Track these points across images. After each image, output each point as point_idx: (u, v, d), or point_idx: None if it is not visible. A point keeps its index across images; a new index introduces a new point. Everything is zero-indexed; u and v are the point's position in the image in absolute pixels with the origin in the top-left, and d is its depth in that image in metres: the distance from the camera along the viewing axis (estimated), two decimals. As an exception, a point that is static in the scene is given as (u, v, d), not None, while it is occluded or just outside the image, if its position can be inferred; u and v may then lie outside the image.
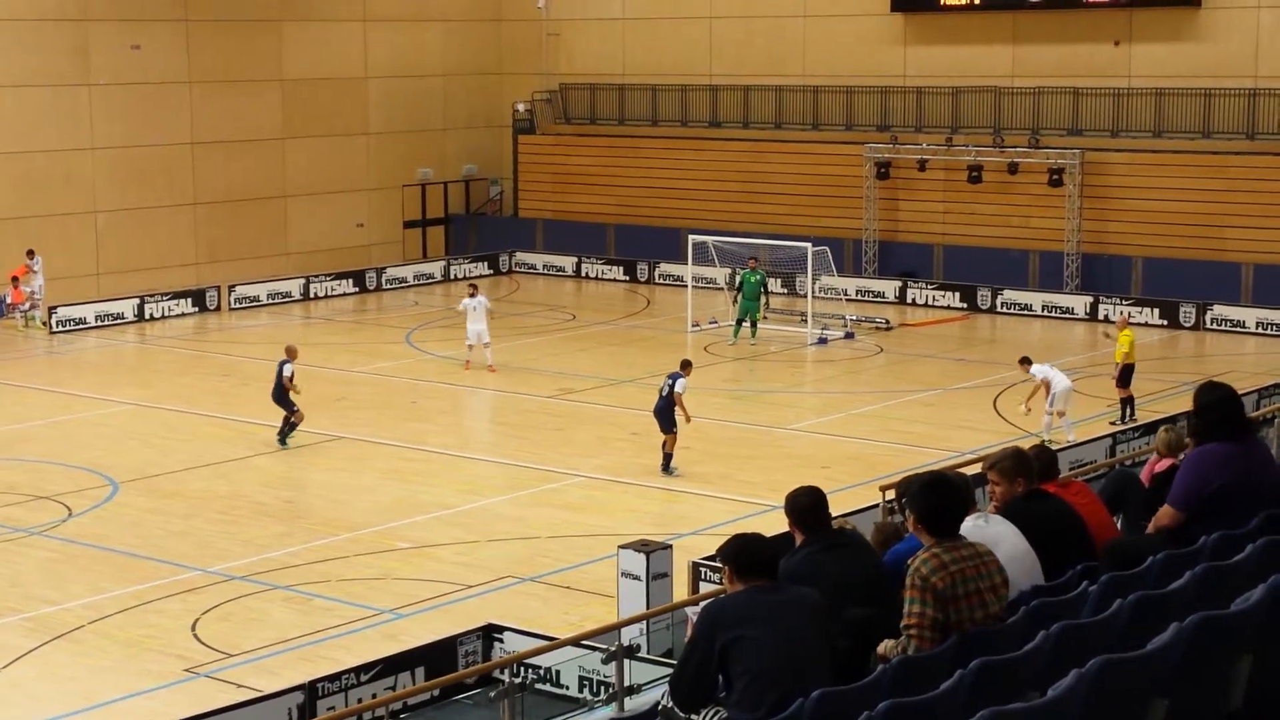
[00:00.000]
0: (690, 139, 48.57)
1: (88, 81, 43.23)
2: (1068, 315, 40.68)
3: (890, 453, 27.00)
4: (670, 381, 26.12)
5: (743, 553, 7.55)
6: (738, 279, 37.87)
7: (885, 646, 7.54)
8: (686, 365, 26.83)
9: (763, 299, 37.34)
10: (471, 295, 34.77)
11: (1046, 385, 27.34)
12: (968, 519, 8.09)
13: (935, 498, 7.68)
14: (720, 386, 33.20)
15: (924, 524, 7.62)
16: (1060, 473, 9.99)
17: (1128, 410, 28.63)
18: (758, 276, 37.11)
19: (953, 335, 39.17)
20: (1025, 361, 28.34)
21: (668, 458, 26.04)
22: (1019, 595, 8.05)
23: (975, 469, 13.84)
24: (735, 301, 37.68)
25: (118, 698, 17.44)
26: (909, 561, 7.56)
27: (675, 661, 14.88)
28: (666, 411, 26.06)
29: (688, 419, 26.15)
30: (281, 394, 28.02)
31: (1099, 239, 41.99)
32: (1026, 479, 9.04)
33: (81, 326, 39.89)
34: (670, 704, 7.46)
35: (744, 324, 37.15)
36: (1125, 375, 29.10)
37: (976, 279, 42.27)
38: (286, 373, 27.94)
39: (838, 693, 6.86)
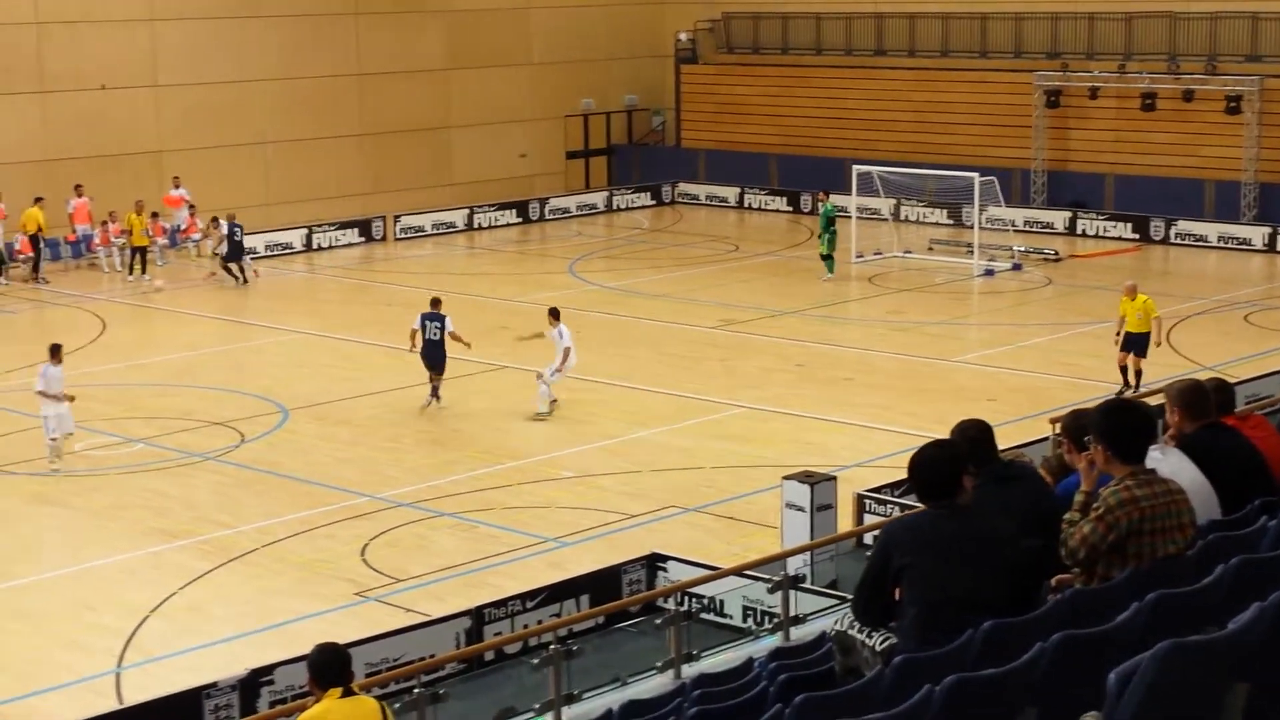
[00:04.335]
0: (855, 69, 48.02)
1: (256, 13, 43.79)
2: (1244, 246, 39.67)
3: (1058, 385, 26.60)
4: (438, 324, 26.04)
5: (927, 470, 7.31)
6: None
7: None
8: (437, 303, 26.69)
9: (830, 232, 36.22)
10: (229, 220, 38.20)
11: (567, 353, 25.64)
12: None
13: (1119, 420, 7.50)
14: (884, 318, 32.93)
15: (1111, 448, 7.42)
16: (1238, 406, 9.75)
17: (1130, 380, 26.20)
18: (825, 209, 36.67)
19: (1124, 267, 38.36)
20: (554, 314, 26.50)
21: (435, 389, 26.16)
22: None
23: (1151, 401, 13.57)
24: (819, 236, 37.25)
25: (290, 619, 17.81)
26: (1101, 490, 7.40)
27: (842, 592, 14.90)
28: (441, 352, 26.06)
29: (468, 345, 26.17)
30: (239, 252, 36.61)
31: (1279, 168, 40.84)
32: (1205, 411, 8.82)
33: (251, 256, 40.55)
34: (844, 626, 7.44)
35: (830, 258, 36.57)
36: (1129, 342, 26.34)
37: (1149, 210, 41.37)
38: (239, 235, 36.76)
39: (1009, 624, 6.78)
